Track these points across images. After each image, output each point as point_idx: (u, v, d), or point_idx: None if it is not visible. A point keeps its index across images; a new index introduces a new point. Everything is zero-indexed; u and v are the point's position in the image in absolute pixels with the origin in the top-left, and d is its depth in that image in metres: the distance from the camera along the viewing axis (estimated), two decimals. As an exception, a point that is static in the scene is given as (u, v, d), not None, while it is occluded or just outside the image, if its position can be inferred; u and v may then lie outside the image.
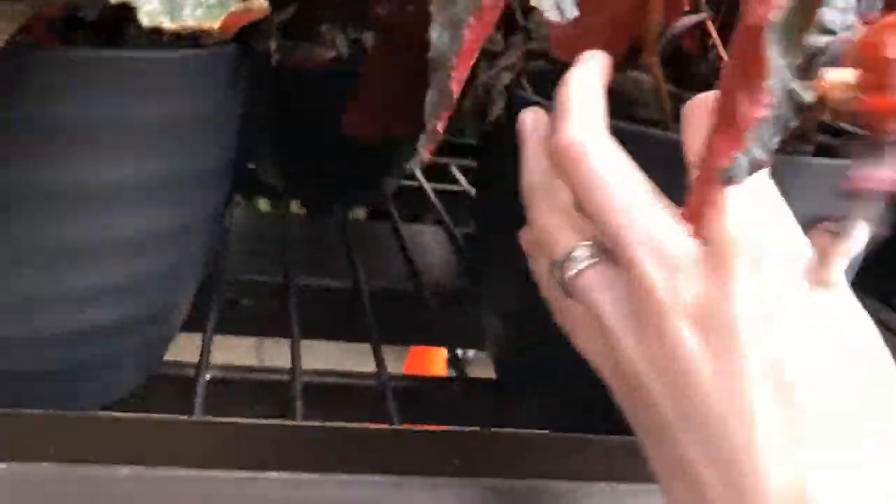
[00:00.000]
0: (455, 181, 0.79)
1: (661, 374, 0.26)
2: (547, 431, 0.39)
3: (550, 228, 0.31)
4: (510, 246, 0.40)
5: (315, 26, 0.32)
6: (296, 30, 0.32)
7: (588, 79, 0.31)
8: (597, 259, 0.29)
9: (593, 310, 0.28)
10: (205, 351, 0.42)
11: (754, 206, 0.26)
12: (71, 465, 0.33)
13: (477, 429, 0.37)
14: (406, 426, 0.37)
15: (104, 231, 0.30)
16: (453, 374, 0.46)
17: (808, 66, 0.23)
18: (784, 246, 0.26)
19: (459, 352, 0.48)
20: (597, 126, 0.29)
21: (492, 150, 0.42)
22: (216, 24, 0.23)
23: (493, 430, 0.38)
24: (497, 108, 0.37)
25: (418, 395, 0.44)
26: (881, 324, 0.43)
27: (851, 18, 0.25)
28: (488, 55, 0.38)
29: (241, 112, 0.36)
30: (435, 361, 1.54)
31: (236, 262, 0.55)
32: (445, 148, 0.80)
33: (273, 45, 0.30)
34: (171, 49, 0.27)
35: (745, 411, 0.24)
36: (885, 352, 0.26)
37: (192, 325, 0.45)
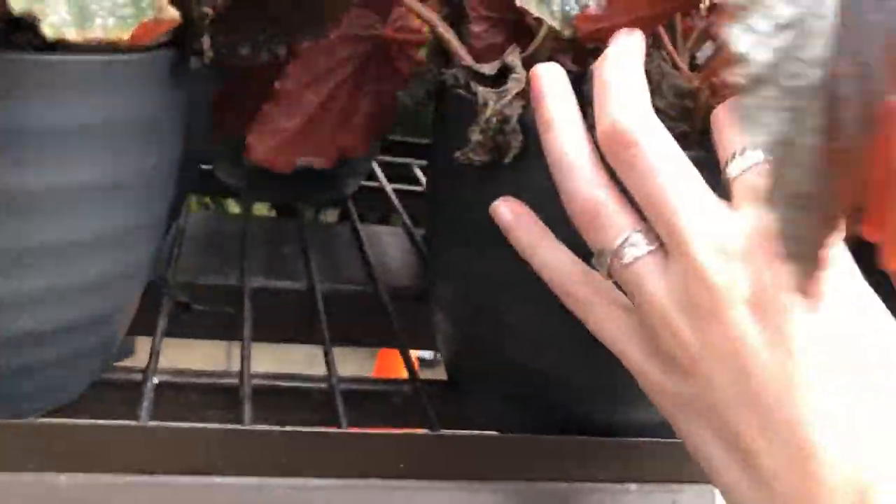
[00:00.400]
0: (418, 182, 0.79)
1: (719, 357, 0.27)
2: (496, 432, 0.40)
3: (600, 209, 0.30)
4: (458, 245, 0.40)
5: (254, 33, 0.32)
6: (234, 32, 0.32)
7: (628, 56, 0.31)
8: (653, 246, 0.29)
9: (646, 298, 0.29)
10: (153, 355, 0.42)
11: None
12: (8, 473, 0.33)
13: (424, 431, 0.37)
14: (353, 429, 0.37)
15: (43, 235, 0.30)
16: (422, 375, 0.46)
17: None
18: None
19: (430, 353, 0.48)
20: (644, 108, 0.29)
21: (438, 148, 0.42)
22: (126, 36, 0.22)
23: (439, 432, 0.38)
24: (514, 149, 0.34)
25: (370, 397, 0.44)
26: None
27: None
28: (479, 77, 0.35)
29: (185, 114, 0.36)
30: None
31: (192, 265, 0.54)
32: (407, 148, 0.80)
33: (206, 43, 0.30)
34: (102, 53, 0.27)
35: (801, 386, 0.26)
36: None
37: (146, 328, 0.45)
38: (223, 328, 0.51)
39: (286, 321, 0.53)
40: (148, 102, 0.31)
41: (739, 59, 0.21)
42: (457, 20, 0.41)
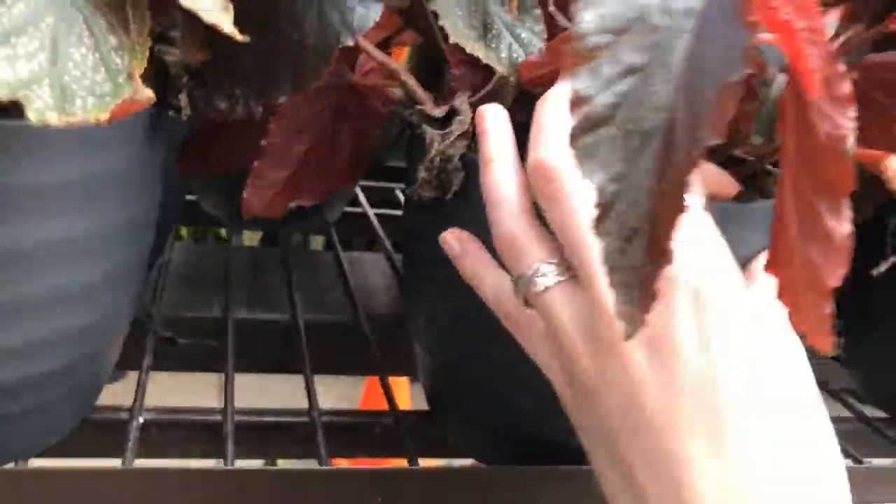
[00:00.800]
0: (402, 206, 0.80)
1: (611, 387, 0.29)
2: (474, 463, 0.40)
3: (515, 239, 0.32)
4: (429, 277, 0.41)
5: (229, 88, 0.33)
6: (211, 85, 0.33)
7: (566, 99, 0.32)
8: (563, 277, 0.30)
9: (554, 324, 0.30)
10: (139, 393, 0.43)
11: (696, 242, 0.29)
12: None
13: (401, 465, 0.38)
14: (335, 461, 0.38)
15: (23, 289, 0.31)
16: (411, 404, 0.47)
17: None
18: (720, 278, 0.29)
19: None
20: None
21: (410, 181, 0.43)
22: (104, 116, 0.24)
23: (416, 465, 0.39)
24: (455, 186, 0.36)
25: (352, 428, 0.45)
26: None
27: None
28: (430, 119, 0.37)
29: (164, 160, 0.37)
30: (397, 391, 1.54)
31: (176, 299, 0.55)
32: (390, 172, 0.80)
33: (184, 100, 0.31)
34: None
35: (681, 423, 0.27)
36: (808, 371, 0.29)
37: (133, 364, 0.46)
38: (208, 361, 0.52)
39: (269, 352, 0.54)
40: (126, 157, 0.32)
41: (580, 98, 0.22)
42: (439, 64, 0.43)
